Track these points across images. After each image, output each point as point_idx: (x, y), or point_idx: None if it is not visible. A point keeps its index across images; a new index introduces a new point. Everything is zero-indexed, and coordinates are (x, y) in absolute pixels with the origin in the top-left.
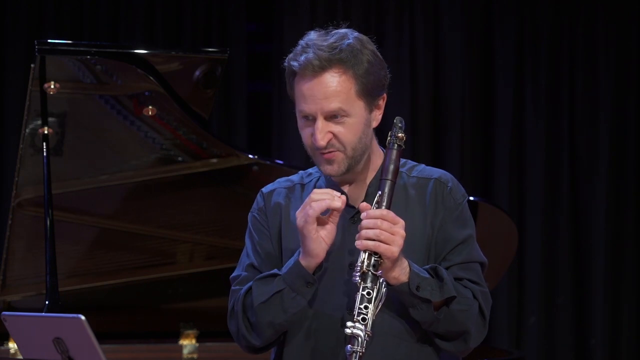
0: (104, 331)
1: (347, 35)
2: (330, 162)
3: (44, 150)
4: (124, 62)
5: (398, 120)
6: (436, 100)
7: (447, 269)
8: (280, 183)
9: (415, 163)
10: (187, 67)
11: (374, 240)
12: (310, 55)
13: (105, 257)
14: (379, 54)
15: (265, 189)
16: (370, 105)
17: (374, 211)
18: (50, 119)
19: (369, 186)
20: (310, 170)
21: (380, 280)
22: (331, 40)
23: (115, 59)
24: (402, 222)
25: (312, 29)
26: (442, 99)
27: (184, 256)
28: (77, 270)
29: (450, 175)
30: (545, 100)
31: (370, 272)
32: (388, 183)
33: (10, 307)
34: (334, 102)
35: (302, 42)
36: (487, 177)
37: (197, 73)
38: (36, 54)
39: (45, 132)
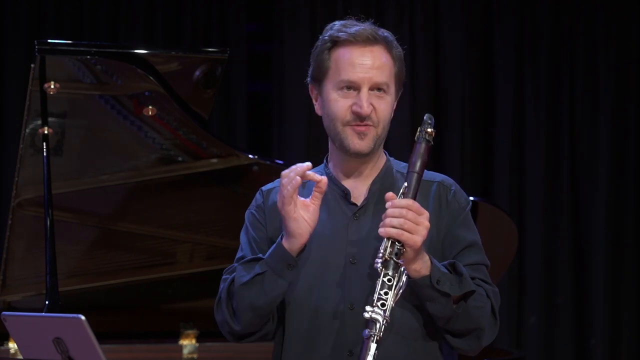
0: (104, 331)
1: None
2: (362, 136)
3: (44, 150)
4: (124, 62)
5: (428, 117)
6: (436, 100)
7: None
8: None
9: None
10: (187, 67)
11: (397, 228)
12: (362, 28)
13: (105, 257)
14: None
15: (265, 188)
16: (397, 93)
17: (399, 200)
18: (50, 119)
19: (371, 184)
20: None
21: (402, 269)
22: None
23: (115, 59)
24: (427, 214)
25: (312, 29)
26: (442, 99)
27: (184, 256)
28: (77, 270)
29: (453, 180)
30: (545, 100)
31: (392, 260)
32: (415, 176)
33: (10, 307)
34: (382, 74)
35: (337, 24)
36: (487, 177)
37: (197, 73)
38: (36, 54)
39: (45, 132)
